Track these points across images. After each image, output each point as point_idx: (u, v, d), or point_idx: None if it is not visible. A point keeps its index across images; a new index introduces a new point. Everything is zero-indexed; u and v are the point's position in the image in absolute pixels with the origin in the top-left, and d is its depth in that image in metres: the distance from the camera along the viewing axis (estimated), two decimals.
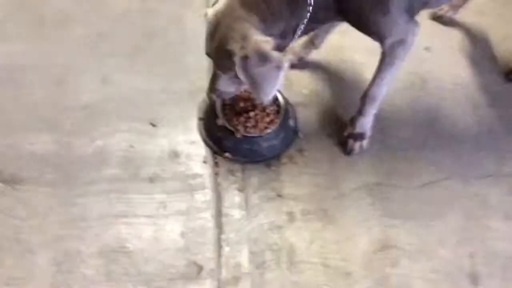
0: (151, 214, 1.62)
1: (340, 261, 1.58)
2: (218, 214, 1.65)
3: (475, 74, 2.10)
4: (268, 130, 1.74)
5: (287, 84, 1.96)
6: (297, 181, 1.74)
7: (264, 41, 1.43)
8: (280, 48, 1.54)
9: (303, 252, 1.59)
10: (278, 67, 1.45)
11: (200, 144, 1.79)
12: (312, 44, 1.98)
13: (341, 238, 1.63)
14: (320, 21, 1.59)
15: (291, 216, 1.66)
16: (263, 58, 1.41)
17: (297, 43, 1.95)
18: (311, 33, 1.91)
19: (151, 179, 1.69)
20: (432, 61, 2.12)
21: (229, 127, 1.73)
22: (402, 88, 2.01)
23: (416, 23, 1.59)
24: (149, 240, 1.57)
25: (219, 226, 1.62)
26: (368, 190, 1.74)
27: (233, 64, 1.44)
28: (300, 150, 1.81)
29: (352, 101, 1.93)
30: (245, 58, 1.41)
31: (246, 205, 1.67)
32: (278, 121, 1.76)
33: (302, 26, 1.53)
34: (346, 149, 1.80)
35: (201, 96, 1.89)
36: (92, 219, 1.59)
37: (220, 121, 1.73)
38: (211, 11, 1.51)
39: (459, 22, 2.25)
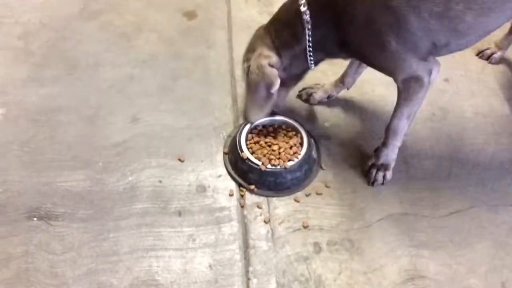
0: (180, 247, 1.66)
1: None
2: (245, 246, 1.67)
3: (495, 103, 2.12)
4: (292, 163, 1.78)
5: (310, 117, 2.03)
6: (322, 212, 1.76)
7: (266, 56, 1.64)
8: (296, 73, 1.72)
9: (331, 284, 1.59)
10: (271, 83, 1.64)
11: (226, 178, 1.84)
12: (342, 83, 2.04)
13: (369, 269, 1.63)
14: (327, 52, 1.68)
15: (317, 247, 1.68)
16: (260, 70, 1.63)
17: (329, 82, 2.05)
18: (343, 74, 2.01)
19: (180, 213, 1.74)
20: (452, 92, 2.16)
21: (253, 160, 1.78)
22: (424, 119, 2.04)
23: (434, 62, 1.58)
24: (178, 273, 1.60)
25: (246, 258, 1.65)
26: (393, 220, 1.75)
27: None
28: (324, 182, 1.84)
29: (373, 133, 1.99)
30: (248, 67, 1.65)
31: (272, 237, 1.70)
32: (301, 153, 1.81)
33: (309, 57, 1.65)
34: (369, 180, 1.83)
35: (226, 132, 1.96)
36: (124, 253, 1.63)
37: (245, 155, 1.79)
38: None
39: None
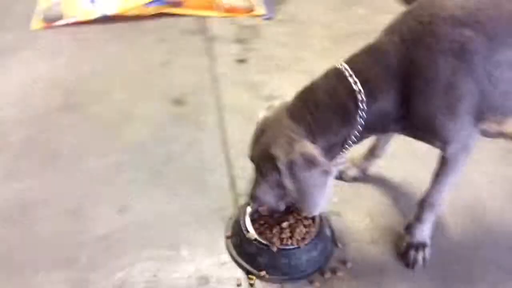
0: None
1: None
2: None
3: (501, 169, 2.02)
4: (306, 241, 1.57)
5: None
6: None
7: (310, 147, 1.38)
8: (328, 158, 1.46)
9: None
10: (326, 172, 1.38)
11: (231, 265, 1.61)
12: (373, 155, 1.90)
13: None
14: (376, 130, 1.52)
15: None
16: (310, 162, 1.35)
17: (359, 155, 1.92)
18: (372, 147, 1.88)
19: None
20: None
21: (262, 240, 1.56)
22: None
23: (477, 130, 1.48)
24: None
25: None
26: None
27: (276, 170, 1.38)
28: (343, 262, 1.62)
29: (386, 206, 1.83)
30: (290, 162, 1.35)
31: None
32: (314, 230, 1.61)
33: (353, 137, 1.45)
34: (408, 262, 1.62)
35: (226, 214, 1.77)
36: None
37: (252, 235, 1.57)
38: (261, 116, 1.50)
39: None
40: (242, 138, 2.02)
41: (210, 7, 3.14)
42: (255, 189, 1.50)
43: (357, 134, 1.43)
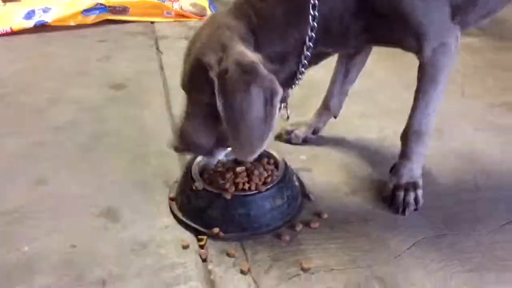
0: None
1: None
2: None
3: (491, 117, 1.78)
4: (268, 186, 1.24)
5: (282, 153, 1.54)
6: (325, 249, 1.18)
7: (250, 53, 1.08)
8: (284, 80, 1.18)
9: None
10: (271, 90, 1.06)
11: (176, 228, 1.25)
12: (327, 109, 1.62)
13: None
14: (334, 38, 1.20)
15: None
16: (249, 74, 1.04)
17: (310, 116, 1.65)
18: (325, 97, 1.61)
19: (104, 282, 1.08)
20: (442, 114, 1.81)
21: (212, 189, 1.23)
22: None
23: (457, 27, 1.25)
24: None
25: None
26: (430, 244, 1.19)
27: (210, 89, 1.05)
28: (317, 214, 1.29)
29: (362, 159, 1.55)
30: (224, 73, 1.04)
31: None
32: (278, 173, 1.29)
33: (307, 50, 1.16)
34: (397, 206, 1.30)
35: (171, 178, 1.43)
36: None
37: (200, 184, 1.24)
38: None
39: None
40: None
41: (158, 14, 2.96)
42: (183, 124, 1.19)
43: (311, 44, 1.15)
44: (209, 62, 1.07)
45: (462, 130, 1.71)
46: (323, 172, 1.48)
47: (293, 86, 1.27)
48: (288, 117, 1.36)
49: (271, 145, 1.48)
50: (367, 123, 1.76)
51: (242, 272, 1.10)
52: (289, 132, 1.64)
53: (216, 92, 1.05)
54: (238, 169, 1.27)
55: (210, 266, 1.13)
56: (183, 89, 1.19)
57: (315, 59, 1.24)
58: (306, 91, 1.82)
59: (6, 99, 1.97)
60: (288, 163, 1.37)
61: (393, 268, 1.12)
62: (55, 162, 1.53)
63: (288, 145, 1.61)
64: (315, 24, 1.13)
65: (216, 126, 1.15)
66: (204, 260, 1.15)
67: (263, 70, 1.06)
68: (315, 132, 1.64)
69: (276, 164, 1.33)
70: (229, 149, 1.25)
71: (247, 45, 1.10)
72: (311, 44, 1.16)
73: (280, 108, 1.28)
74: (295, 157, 1.54)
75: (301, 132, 1.63)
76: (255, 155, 1.11)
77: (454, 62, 1.25)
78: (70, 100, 1.94)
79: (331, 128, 1.71)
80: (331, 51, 1.29)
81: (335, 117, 1.66)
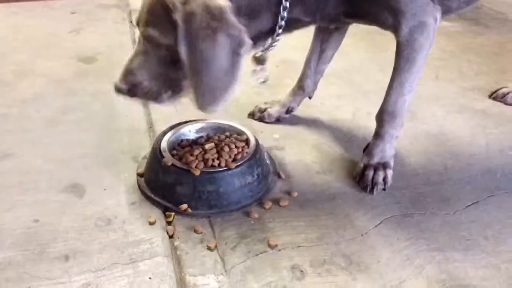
0: None
1: None
2: (181, 287, 1.00)
3: (464, 101, 1.80)
4: (237, 163, 1.23)
5: (254, 132, 1.52)
6: (293, 226, 1.17)
7: None
8: (256, 37, 1.13)
9: None
10: (238, 40, 1.01)
11: (143, 204, 1.23)
12: (301, 89, 1.60)
13: None
14: (312, 6, 1.17)
15: (298, 271, 1.05)
16: (217, 20, 0.99)
17: (284, 95, 1.63)
18: (300, 77, 1.59)
19: (67, 257, 1.06)
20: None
21: (181, 165, 1.21)
22: None
23: (438, 8, 1.23)
24: None
25: None
26: (396, 223, 1.20)
27: (170, 30, 0.99)
28: (287, 192, 1.28)
29: (335, 140, 1.54)
30: (189, 15, 0.98)
31: (224, 268, 1.05)
32: (248, 151, 1.27)
33: (287, 4, 1.11)
34: (366, 185, 1.30)
35: (140, 154, 1.40)
36: None
37: (168, 160, 1.21)
38: None
39: None
40: None
41: None
42: (132, 61, 1.10)
43: (288, 5, 1.12)
44: (174, 2, 0.99)
45: (433, 112, 1.72)
46: (295, 151, 1.47)
47: (269, 48, 1.23)
48: (264, 81, 1.33)
49: (243, 123, 1.48)
50: (341, 104, 1.75)
51: (209, 248, 1.09)
52: (262, 111, 1.62)
53: (179, 35, 0.98)
54: (208, 145, 1.25)
55: (176, 242, 1.12)
56: (137, 24, 1.11)
57: (292, 24, 1.20)
58: (282, 70, 1.81)
59: None
60: (261, 141, 1.35)
61: (359, 245, 1.13)
62: (20, 136, 1.48)
63: (261, 124, 1.60)
64: None
65: (169, 69, 1.08)
66: (171, 237, 1.13)
67: (232, 17, 1.01)
68: (288, 111, 1.62)
69: (247, 141, 1.32)
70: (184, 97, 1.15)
71: None
72: (287, 4, 1.12)
73: (256, 70, 1.27)
74: (268, 136, 1.53)
75: (274, 111, 1.61)
76: (218, 108, 1.05)
77: (431, 43, 1.24)
78: (38, 73, 1.88)
79: (305, 108, 1.70)
80: (308, 20, 1.24)
81: (309, 98, 1.65)
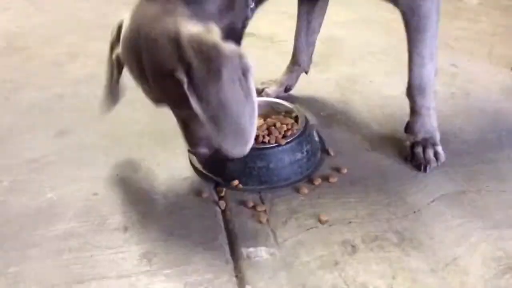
0: (127, 273, 0.99)
1: None
2: (235, 259, 1.03)
3: None
4: (287, 139, 1.23)
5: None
6: (343, 202, 1.17)
7: (204, 31, 0.94)
8: (234, 30, 1.06)
9: None
10: (242, 68, 0.95)
11: (196, 179, 1.26)
12: (296, 64, 1.58)
13: (438, 265, 1.00)
14: None
15: (349, 247, 1.05)
16: (214, 59, 0.92)
17: (281, 74, 1.61)
18: (293, 53, 1.56)
19: (126, 228, 1.11)
20: (465, 73, 1.75)
21: None
22: (444, 99, 1.58)
23: None
24: None
25: (239, 276, 0.99)
26: (450, 201, 1.18)
27: (182, 94, 0.94)
28: (337, 169, 1.28)
29: (384, 116, 1.52)
30: (188, 68, 0.92)
31: (276, 241, 1.07)
32: (298, 127, 1.28)
33: None
34: (419, 163, 1.28)
35: None
36: None
37: None
38: (119, 45, 1.07)
39: None
40: None
41: None
42: (185, 130, 1.12)
43: None
44: (173, 67, 0.93)
45: (488, 90, 1.66)
46: (343, 129, 1.46)
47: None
48: None
49: (292, 101, 1.48)
50: (390, 81, 1.71)
51: (260, 222, 1.11)
52: (260, 91, 1.57)
53: (187, 92, 0.93)
54: (260, 122, 1.26)
55: (229, 216, 1.14)
56: (159, 103, 1.10)
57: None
58: (327, 48, 1.79)
59: (26, 52, 1.98)
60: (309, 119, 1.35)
61: (411, 222, 1.12)
62: (76, 114, 1.55)
63: (309, 101, 1.59)
64: None
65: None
66: (223, 211, 1.16)
67: (226, 48, 0.93)
68: (287, 89, 1.60)
69: (296, 119, 1.32)
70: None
71: (191, 18, 0.95)
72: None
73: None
74: (316, 113, 1.53)
75: (272, 90, 1.58)
76: (250, 145, 1.01)
77: (438, 6, 1.20)
78: (90, 54, 1.94)
79: (353, 86, 1.68)
80: None
81: (305, 73, 1.62)
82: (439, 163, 1.27)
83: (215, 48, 0.92)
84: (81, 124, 1.49)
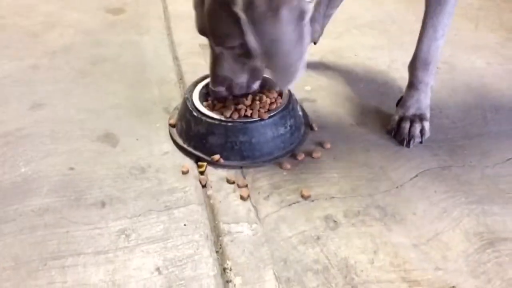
0: (103, 249, 0.97)
1: (433, 272, 0.94)
2: (216, 234, 1.01)
3: (507, 52, 1.71)
4: (270, 113, 1.20)
5: None
6: (326, 178, 1.16)
7: None
8: None
9: (368, 267, 0.94)
10: (299, 10, 1.00)
11: (176, 154, 1.22)
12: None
13: (420, 239, 1.00)
14: None
15: (331, 222, 1.04)
16: None
17: None
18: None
19: (103, 203, 1.07)
20: (451, 48, 1.73)
21: (213, 115, 1.19)
22: None
23: None
24: (103, 286, 0.90)
25: (219, 251, 0.98)
26: (433, 176, 1.17)
27: (236, 24, 1.00)
28: (320, 144, 1.26)
29: (370, 91, 1.50)
30: (249, 4, 0.97)
31: (257, 217, 1.05)
32: (281, 101, 1.25)
33: None
34: (402, 137, 1.26)
35: (171, 106, 1.39)
36: (2, 269, 0.92)
37: (204, 105, 1.21)
38: None
39: None
40: (191, 40, 1.68)
41: None
42: (216, 68, 1.15)
43: None
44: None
45: (473, 64, 1.65)
46: (327, 103, 1.43)
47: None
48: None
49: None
50: (376, 55, 1.69)
51: (241, 198, 1.09)
52: None
53: (244, 27, 1.00)
54: (241, 99, 1.22)
55: (209, 192, 1.12)
56: (202, 34, 1.12)
57: None
58: None
59: (0, 22, 1.89)
60: (293, 93, 1.32)
61: (394, 197, 1.11)
62: (51, 86, 1.49)
63: None
64: None
65: (246, 61, 1.13)
66: (204, 186, 1.13)
67: None
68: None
69: (280, 92, 1.28)
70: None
71: None
72: None
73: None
74: (300, 88, 1.49)
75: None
76: (296, 81, 1.10)
77: None
78: (67, 24, 1.87)
79: (338, 59, 1.65)
80: None
81: (314, 43, 1.58)
82: (423, 139, 1.26)
83: None
84: (57, 97, 1.44)
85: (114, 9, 1.99)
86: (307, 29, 1.04)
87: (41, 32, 1.81)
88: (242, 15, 0.99)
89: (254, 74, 1.19)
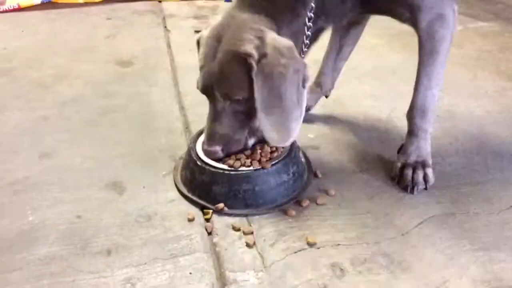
0: None
1: None
2: (222, 283, 1.00)
3: (504, 101, 1.75)
4: (272, 162, 1.22)
5: None
6: (331, 224, 1.16)
7: (283, 39, 1.12)
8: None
9: None
10: (304, 75, 1.12)
11: (181, 202, 1.24)
12: (318, 87, 1.61)
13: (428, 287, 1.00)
14: (331, 12, 1.22)
15: (338, 270, 1.03)
16: (287, 56, 1.08)
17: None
18: (318, 74, 1.61)
19: (109, 251, 1.08)
20: (450, 97, 1.77)
21: (217, 165, 1.21)
22: None
23: (454, 1, 1.25)
24: None
25: None
26: (438, 223, 1.17)
27: (247, 76, 1.08)
28: (324, 190, 1.27)
29: (372, 139, 1.52)
30: (263, 57, 1.07)
31: (263, 264, 1.05)
32: (283, 149, 1.27)
33: (309, 21, 1.17)
34: (406, 185, 1.28)
35: (177, 154, 1.42)
36: None
37: (205, 160, 1.22)
38: (205, 31, 1.19)
39: None
40: (197, 91, 1.73)
41: None
42: (214, 124, 1.17)
43: (313, 15, 1.16)
44: (248, 51, 1.08)
45: (473, 112, 1.68)
46: (331, 151, 1.46)
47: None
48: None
49: None
50: (377, 104, 1.73)
51: (247, 245, 1.09)
52: None
53: (254, 78, 1.07)
54: (245, 151, 1.24)
55: (215, 239, 1.12)
56: (204, 91, 1.17)
57: (316, 33, 1.28)
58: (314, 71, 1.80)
59: (12, 74, 1.96)
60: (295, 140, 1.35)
61: (400, 245, 1.11)
62: (60, 136, 1.52)
63: None
64: (313, 6, 1.16)
65: (246, 118, 1.18)
66: (209, 233, 1.14)
67: (297, 54, 1.12)
68: (306, 110, 1.60)
69: None
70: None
71: (275, 32, 1.13)
72: (310, 24, 1.18)
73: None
74: (303, 135, 1.52)
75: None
76: (292, 139, 1.15)
77: (452, 34, 1.24)
78: (76, 76, 1.93)
79: (341, 108, 1.69)
80: (329, 25, 1.32)
81: (326, 97, 1.64)
82: (428, 186, 1.27)
83: (290, 49, 1.09)
84: (65, 146, 1.47)
85: (123, 62, 2.06)
86: (305, 95, 1.14)
87: (51, 84, 1.87)
88: (254, 66, 1.07)
89: (252, 131, 1.23)
